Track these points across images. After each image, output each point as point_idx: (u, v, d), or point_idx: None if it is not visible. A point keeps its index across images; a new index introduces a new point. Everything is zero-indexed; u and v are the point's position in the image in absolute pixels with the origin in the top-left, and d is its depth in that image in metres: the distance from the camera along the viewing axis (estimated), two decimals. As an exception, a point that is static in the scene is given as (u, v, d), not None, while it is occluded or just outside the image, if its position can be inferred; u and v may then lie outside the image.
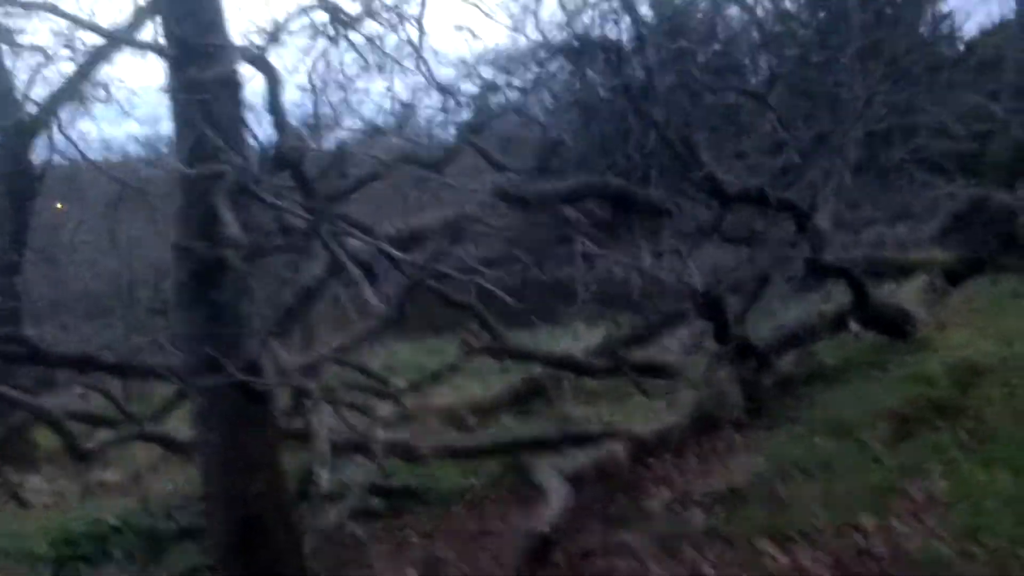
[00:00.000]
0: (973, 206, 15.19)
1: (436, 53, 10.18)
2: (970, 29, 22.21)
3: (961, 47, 21.20)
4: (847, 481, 6.94)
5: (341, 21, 6.89)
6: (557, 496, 6.45)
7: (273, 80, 5.39)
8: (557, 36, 13.63)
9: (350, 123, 8.61)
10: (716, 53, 21.53)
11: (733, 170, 10.80)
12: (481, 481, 8.19)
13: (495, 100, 8.52)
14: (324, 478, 4.89)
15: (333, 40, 6.94)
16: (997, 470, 6.71)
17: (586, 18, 15.42)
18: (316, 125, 7.92)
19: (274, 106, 5.45)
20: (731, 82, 11.73)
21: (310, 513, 6.87)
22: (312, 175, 6.31)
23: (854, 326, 10.32)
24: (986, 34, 21.34)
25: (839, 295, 11.25)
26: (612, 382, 11.11)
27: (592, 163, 12.73)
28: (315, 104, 8.52)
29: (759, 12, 22.30)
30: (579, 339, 12.04)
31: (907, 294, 13.27)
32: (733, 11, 22.78)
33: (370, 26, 7.34)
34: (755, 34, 21.79)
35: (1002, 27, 20.32)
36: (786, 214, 8.42)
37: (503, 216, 9.39)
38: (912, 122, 11.98)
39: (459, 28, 8.86)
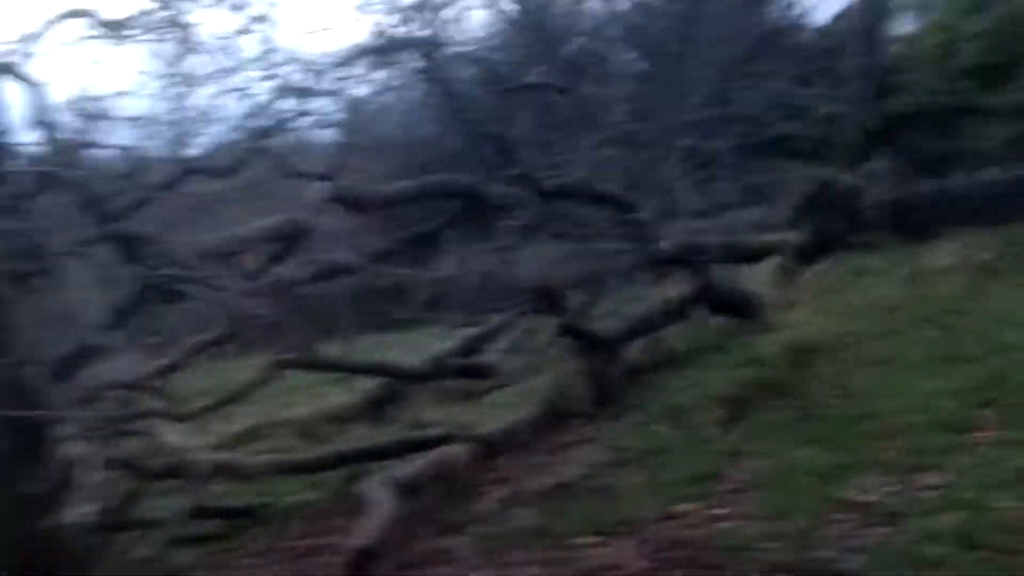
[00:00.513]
0: (821, 188, 15.80)
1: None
2: (824, 14, 23.19)
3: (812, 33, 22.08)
4: (676, 468, 7.00)
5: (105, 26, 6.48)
6: (379, 508, 6.25)
7: (34, 91, 4.98)
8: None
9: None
10: (580, 46, 21.85)
11: (585, 165, 10.90)
12: (322, 495, 7.90)
13: (312, 103, 8.20)
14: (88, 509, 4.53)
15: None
16: (816, 448, 6.88)
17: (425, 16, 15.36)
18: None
19: (39, 118, 5.04)
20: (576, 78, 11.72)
21: (127, 544, 6.52)
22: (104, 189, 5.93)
23: (699, 312, 10.46)
24: (838, 18, 22.21)
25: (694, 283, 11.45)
26: (474, 382, 11.07)
27: (463, 161, 12.64)
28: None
29: (620, 4, 22.78)
30: (441, 341, 11.84)
31: (759, 276, 13.70)
32: (595, 3, 23.17)
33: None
34: (616, 26, 22.25)
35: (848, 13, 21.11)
36: (612, 206, 8.43)
37: (345, 220, 9.15)
38: (737, 110, 12.23)
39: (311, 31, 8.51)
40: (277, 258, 8.33)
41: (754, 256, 14.81)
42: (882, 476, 6.10)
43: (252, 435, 10.37)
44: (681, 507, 6.23)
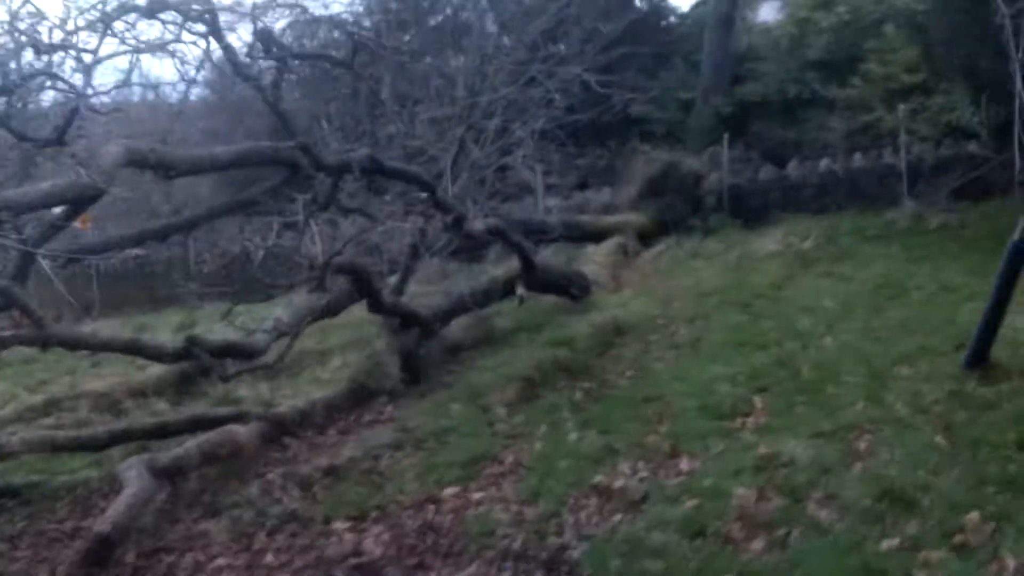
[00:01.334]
0: (665, 171, 16.01)
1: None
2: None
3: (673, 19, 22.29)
4: (454, 450, 6.90)
5: None
6: (130, 491, 5.89)
7: None
8: None
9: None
10: (446, 17, 21.40)
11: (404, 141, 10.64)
12: (99, 474, 7.44)
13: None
14: None
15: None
16: (591, 431, 6.90)
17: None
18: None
19: None
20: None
21: None
22: None
23: (520, 290, 10.41)
24: (698, 5, 22.54)
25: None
26: (295, 356, 10.72)
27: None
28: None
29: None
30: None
31: (597, 256, 13.81)
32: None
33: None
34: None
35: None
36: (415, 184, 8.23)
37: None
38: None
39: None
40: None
41: (596, 236, 14.99)
42: (641, 461, 6.15)
43: (47, 408, 9.81)
44: (445, 491, 6.13)
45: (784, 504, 5.15)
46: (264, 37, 6.39)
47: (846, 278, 10.91)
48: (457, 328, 10.34)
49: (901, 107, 15.15)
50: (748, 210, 15.96)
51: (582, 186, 18.32)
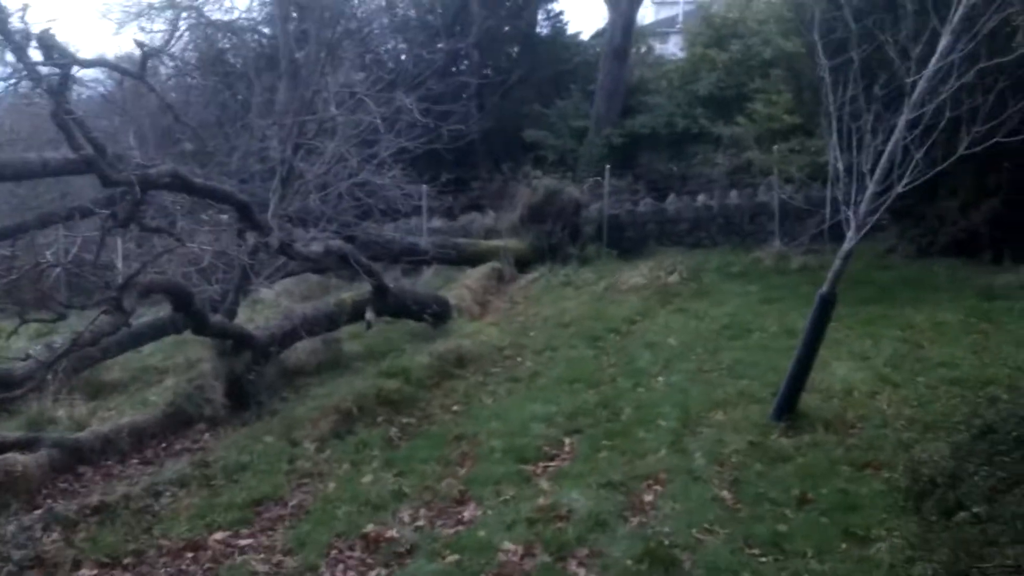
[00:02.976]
0: (547, 198, 15.82)
1: None
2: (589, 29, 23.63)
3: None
4: (242, 489, 6.41)
5: None
6: None
7: None
8: None
9: None
10: (350, 34, 20.93)
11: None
12: None
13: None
14: None
15: None
16: (389, 471, 6.52)
17: None
18: None
19: None
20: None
21: None
22: None
23: (369, 315, 10.00)
24: (597, 35, 22.63)
25: (392, 282, 11.11)
26: (136, 373, 10.10)
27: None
28: None
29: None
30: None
31: (470, 281, 13.50)
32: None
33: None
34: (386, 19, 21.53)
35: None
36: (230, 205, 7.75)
37: None
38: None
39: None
40: None
41: (474, 259, 14.69)
42: (425, 508, 5.79)
43: None
44: (213, 536, 5.63)
45: (547, 561, 4.84)
46: (45, 43, 5.83)
47: (698, 316, 10.84)
48: (302, 352, 9.87)
49: (775, 148, 15.29)
50: (625, 241, 15.92)
51: (475, 207, 18.10)
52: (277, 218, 8.42)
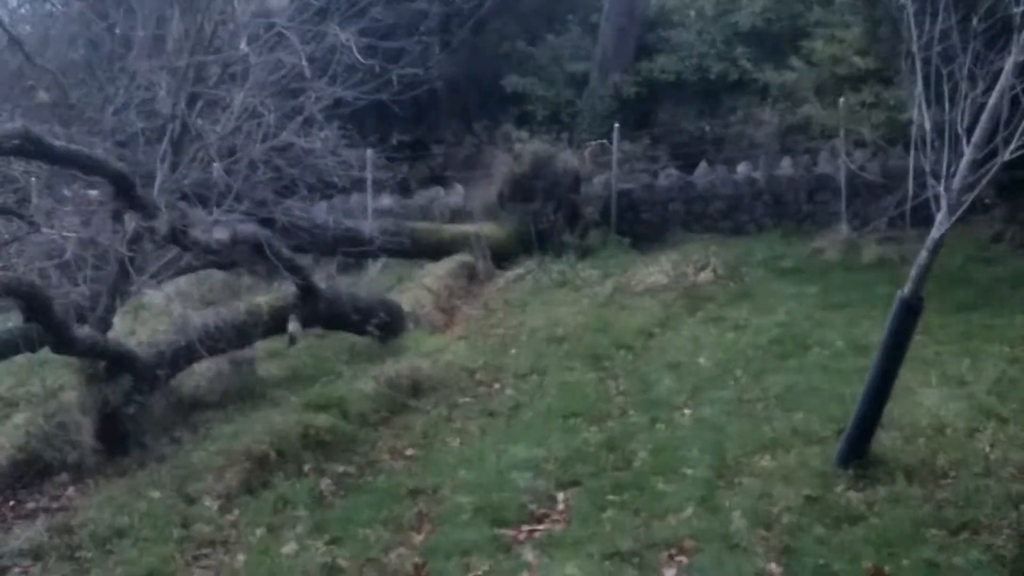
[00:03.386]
0: (536, 168, 15.83)
1: None
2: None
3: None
4: (118, 564, 6.35)
5: None
6: None
7: None
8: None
9: None
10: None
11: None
12: None
13: None
14: None
15: None
16: (319, 538, 6.49)
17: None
18: None
19: None
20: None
21: None
22: None
23: (293, 325, 9.97)
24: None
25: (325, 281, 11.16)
26: None
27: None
28: None
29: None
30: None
31: (430, 280, 13.51)
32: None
33: None
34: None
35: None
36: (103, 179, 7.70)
37: None
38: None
39: None
40: None
41: (436, 250, 14.66)
42: (367, 589, 5.73)
43: None
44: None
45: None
46: None
47: (738, 326, 10.91)
48: (202, 376, 9.83)
49: (841, 101, 15.34)
50: (641, 226, 15.98)
51: (437, 181, 18.09)
52: (167, 194, 8.34)
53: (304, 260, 10.85)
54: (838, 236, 14.24)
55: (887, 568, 5.44)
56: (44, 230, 6.69)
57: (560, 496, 6.92)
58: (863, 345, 9.58)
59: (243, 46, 9.51)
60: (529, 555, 6.01)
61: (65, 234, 6.99)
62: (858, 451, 6.76)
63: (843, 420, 7.20)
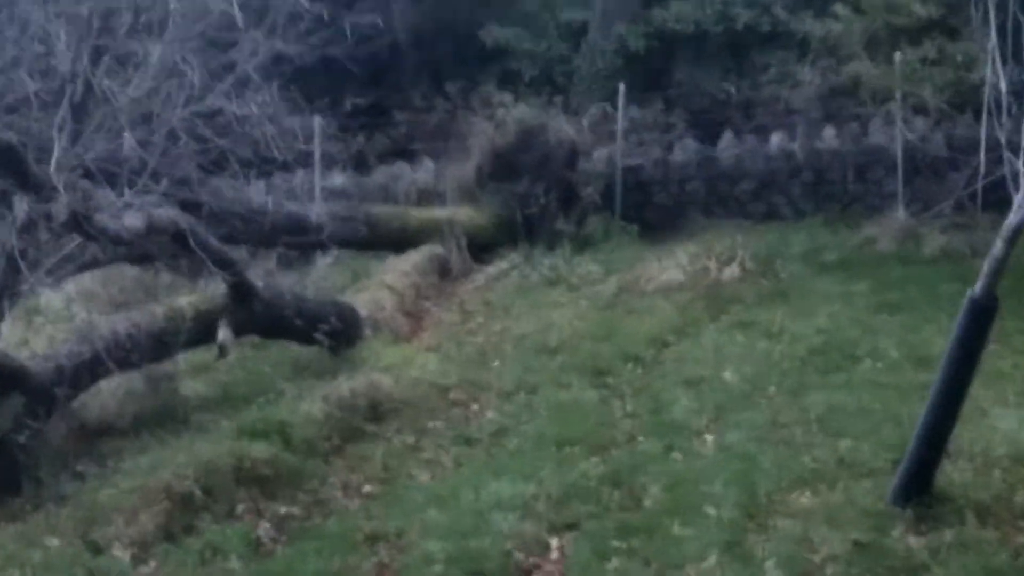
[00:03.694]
0: (523, 140, 15.86)
1: None
2: None
3: None
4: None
5: None
6: None
7: None
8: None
9: None
10: None
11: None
12: None
13: None
14: None
15: None
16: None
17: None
18: None
19: None
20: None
21: None
22: None
23: (223, 333, 9.98)
24: None
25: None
26: None
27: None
28: None
29: None
30: None
31: (393, 277, 13.57)
32: None
33: None
34: None
35: None
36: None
37: None
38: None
39: None
40: None
41: (400, 241, 14.65)
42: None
43: None
44: None
45: None
46: None
47: (771, 333, 10.97)
48: (111, 396, 9.86)
49: (897, 56, 15.37)
50: (652, 210, 16.03)
51: (402, 155, 18.08)
52: (67, 172, 8.33)
53: (237, 252, 10.79)
54: (893, 223, 14.28)
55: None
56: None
57: (553, 542, 6.97)
58: (924, 356, 9.60)
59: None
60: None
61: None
62: (919, 486, 6.79)
63: (900, 448, 7.24)
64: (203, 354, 10.33)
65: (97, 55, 9.58)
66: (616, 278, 13.54)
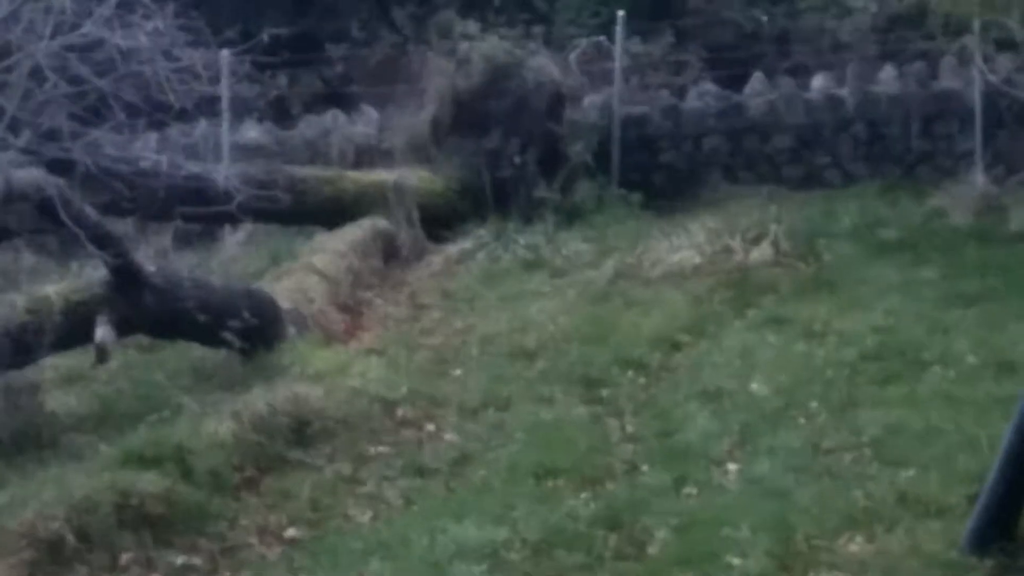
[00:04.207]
0: (492, 81, 15.87)
1: None
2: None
3: None
4: None
5: None
6: None
7: None
8: None
9: None
10: None
11: None
12: None
13: None
14: None
15: None
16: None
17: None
18: None
19: None
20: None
21: None
22: None
23: (102, 331, 9.96)
24: None
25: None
26: None
27: None
28: None
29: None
30: None
31: (324, 260, 13.57)
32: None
33: None
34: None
35: None
36: None
37: None
38: None
39: None
40: None
41: (333, 212, 14.61)
42: None
43: None
44: None
45: None
46: None
47: (813, 333, 11.02)
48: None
49: (974, -25, 15.47)
50: (658, 174, 16.12)
51: (335, 101, 18.07)
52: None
53: (121, 227, 10.75)
54: (970, 190, 14.36)
55: None
56: None
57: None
58: (1009, 361, 9.67)
59: None
60: None
61: None
62: (1001, 528, 6.82)
63: (978, 480, 7.27)
64: (76, 358, 10.27)
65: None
66: (612, 261, 13.50)
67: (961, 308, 11.27)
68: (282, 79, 17.30)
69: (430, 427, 9.90)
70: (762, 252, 13.13)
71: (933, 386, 9.62)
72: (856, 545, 7.20)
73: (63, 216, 9.41)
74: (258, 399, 9.75)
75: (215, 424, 9.31)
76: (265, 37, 16.14)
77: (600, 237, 14.42)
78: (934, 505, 7.50)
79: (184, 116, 14.54)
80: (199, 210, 13.09)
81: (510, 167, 15.42)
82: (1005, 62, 15.72)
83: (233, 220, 13.74)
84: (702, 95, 16.59)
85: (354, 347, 11.85)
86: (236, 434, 9.23)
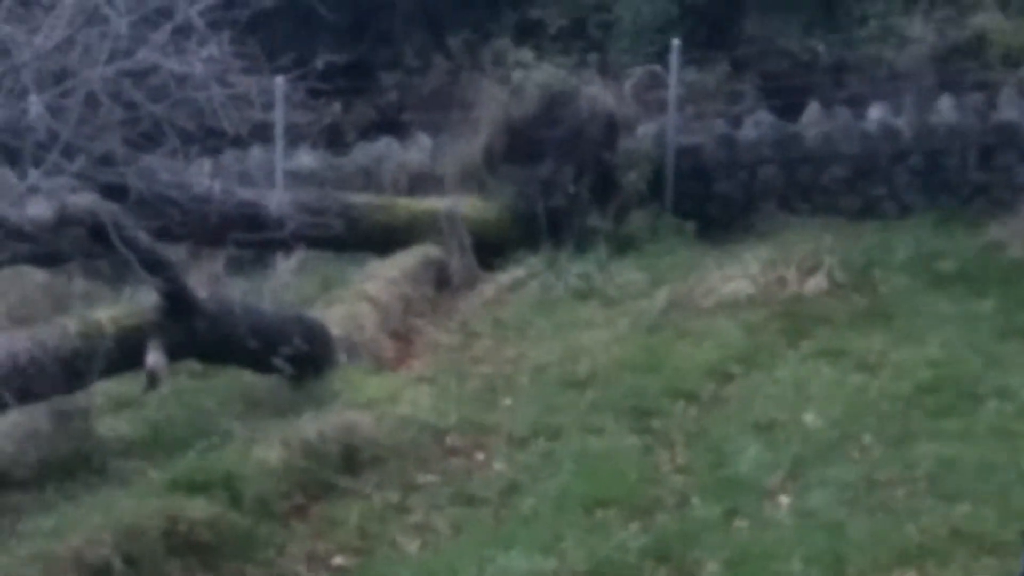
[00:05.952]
0: (547, 110, 15.87)
1: None
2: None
3: None
4: None
5: None
6: None
7: None
8: None
9: None
10: None
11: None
12: None
13: None
14: None
15: None
16: None
17: None
18: None
19: None
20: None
21: None
22: None
23: (154, 357, 9.98)
24: None
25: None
26: None
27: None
28: None
29: None
30: None
31: (375, 287, 13.59)
32: None
33: None
34: None
35: None
36: None
37: None
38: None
39: None
40: None
41: (386, 239, 14.62)
42: None
43: None
44: None
45: None
46: None
47: (867, 365, 10.98)
48: (6, 438, 9.89)
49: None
50: (713, 203, 16.04)
51: (389, 128, 18.10)
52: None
53: (174, 252, 10.78)
54: (1027, 225, 14.25)
55: None
56: None
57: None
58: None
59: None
60: None
61: None
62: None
63: (1035, 516, 7.23)
64: (127, 384, 10.32)
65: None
66: (665, 290, 13.46)
67: (1018, 342, 11.21)
68: (336, 106, 17.29)
69: (479, 456, 9.93)
70: (817, 283, 13.08)
71: (989, 420, 9.59)
72: (910, 581, 7.16)
73: (116, 241, 9.43)
74: (308, 426, 9.78)
75: (264, 450, 9.35)
76: (319, 64, 16.24)
77: (653, 266, 14.35)
78: (989, 541, 7.49)
79: (238, 142, 14.68)
80: (251, 236, 13.08)
81: (563, 196, 15.36)
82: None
83: (285, 247, 13.77)
84: (757, 124, 16.49)
85: (404, 375, 11.82)
86: (285, 461, 9.27)
